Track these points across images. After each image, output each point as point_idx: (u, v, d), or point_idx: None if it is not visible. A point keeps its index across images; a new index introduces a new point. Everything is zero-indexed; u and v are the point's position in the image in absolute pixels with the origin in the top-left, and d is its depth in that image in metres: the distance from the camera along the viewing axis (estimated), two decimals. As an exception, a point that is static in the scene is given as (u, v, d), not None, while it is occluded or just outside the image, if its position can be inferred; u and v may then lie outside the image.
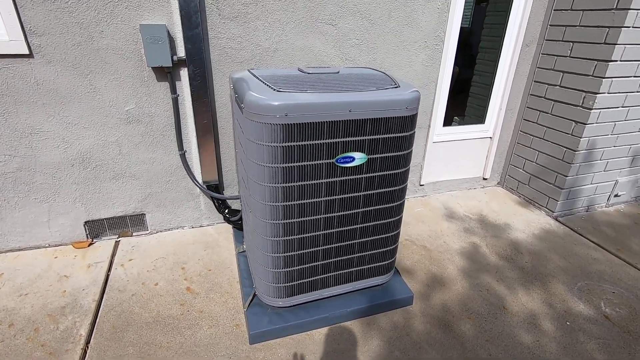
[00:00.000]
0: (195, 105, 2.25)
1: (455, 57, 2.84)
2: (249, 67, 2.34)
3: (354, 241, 1.82)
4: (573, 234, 2.81)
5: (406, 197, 3.24)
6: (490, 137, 3.29)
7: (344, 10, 2.35)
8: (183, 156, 2.42)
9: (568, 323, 2.00)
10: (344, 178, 1.62)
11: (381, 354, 1.78)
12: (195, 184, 2.51)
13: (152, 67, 2.14)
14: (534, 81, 3.03)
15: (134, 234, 2.59)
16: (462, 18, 2.82)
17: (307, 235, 1.69)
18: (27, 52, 1.92)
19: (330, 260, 1.82)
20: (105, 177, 2.35)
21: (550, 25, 2.84)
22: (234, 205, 2.71)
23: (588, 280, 2.33)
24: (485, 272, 2.37)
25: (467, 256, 2.52)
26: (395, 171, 1.70)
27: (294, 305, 1.91)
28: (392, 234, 1.90)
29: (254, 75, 1.61)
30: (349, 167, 1.60)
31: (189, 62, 2.13)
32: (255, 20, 2.22)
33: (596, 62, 2.54)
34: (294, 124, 1.42)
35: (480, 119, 3.31)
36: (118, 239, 2.54)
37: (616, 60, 2.48)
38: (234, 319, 1.94)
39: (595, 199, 3.11)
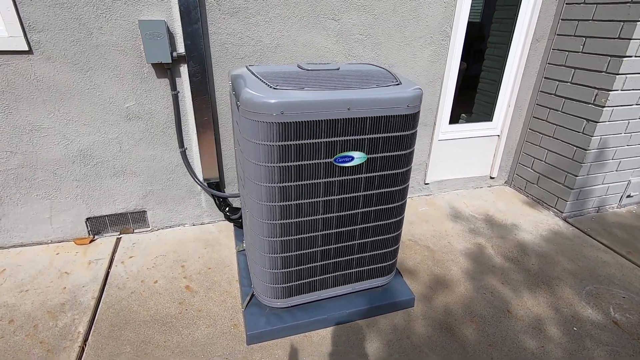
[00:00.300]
0: (196, 102, 2.23)
1: (464, 53, 2.77)
2: (250, 63, 2.30)
3: (354, 242, 1.78)
4: (582, 236, 2.73)
5: (410, 195, 3.19)
6: (498, 135, 3.21)
7: (347, 4, 2.30)
8: (184, 153, 2.40)
9: (575, 328, 1.94)
10: (343, 178, 1.58)
11: (380, 356, 1.74)
12: (196, 182, 2.49)
13: (151, 64, 2.12)
14: (544, 78, 2.94)
15: (135, 231, 2.59)
16: (473, 12, 2.75)
17: (304, 235, 1.65)
18: (26, 48, 1.91)
19: (329, 262, 1.79)
20: (106, 174, 2.34)
21: (561, 19, 2.74)
22: (235, 203, 2.69)
23: (597, 284, 2.25)
24: (490, 274, 2.31)
25: (471, 257, 2.46)
26: (396, 171, 1.65)
27: (292, 306, 1.88)
28: (393, 235, 1.85)
29: (251, 72, 1.57)
30: (348, 166, 1.56)
31: (189, 58, 2.10)
32: (256, 16, 2.18)
33: (609, 57, 2.45)
34: (290, 122, 1.38)
35: (488, 116, 3.23)
36: (119, 236, 2.54)
37: (631, 56, 2.38)
38: (232, 319, 1.92)
39: (606, 200, 3.02)
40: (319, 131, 1.43)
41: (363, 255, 1.84)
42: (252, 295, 1.93)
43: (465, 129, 3.09)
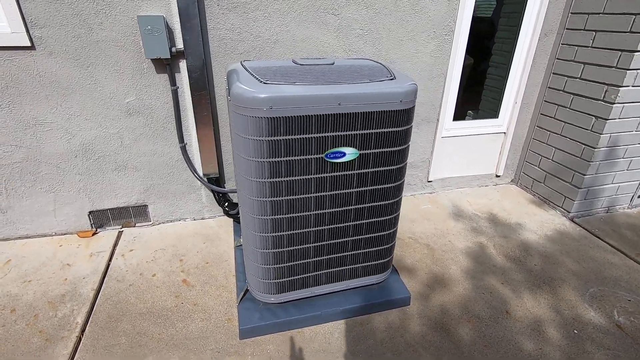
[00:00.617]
0: (195, 98, 2.24)
1: (472, 48, 2.71)
2: (249, 58, 2.30)
3: (347, 239, 1.77)
4: (589, 237, 2.65)
5: (413, 193, 3.15)
6: (504, 133, 3.14)
7: (347, -1, 2.27)
8: (184, 148, 2.42)
9: (576, 331, 1.89)
10: (335, 174, 1.56)
11: (372, 354, 1.73)
12: (196, 177, 2.51)
13: (151, 59, 2.14)
14: (553, 73, 2.86)
15: (136, 224, 2.63)
16: (486, 7, 2.69)
17: (296, 231, 1.65)
18: (29, 44, 1.95)
19: (322, 258, 1.78)
20: (107, 168, 2.38)
21: (571, 13, 2.65)
22: (234, 198, 2.70)
23: (602, 286, 2.19)
24: (490, 274, 2.27)
25: (472, 256, 2.42)
26: (390, 167, 1.63)
27: (286, 302, 1.88)
28: (388, 232, 1.83)
29: (244, 67, 1.57)
30: (340, 162, 1.54)
31: (187, 53, 2.11)
32: (255, 11, 2.17)
33: (620, 52, 2.36)
34: (279, 117, 1.37)
35: (494, 113, 3.16)
36: (121, 230, 2.59)
37: (643, 51, 2.29)
38: (227, 313, 1.93)
39: (616, 200, 2.92)
40: (309, 126, 1.42)
41: (357, 252, 1.83)
42: (247, 290, 1.94)
43: (470, 125, 3.03)
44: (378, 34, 2.43)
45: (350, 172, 1.58)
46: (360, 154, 1.55)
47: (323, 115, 1.42)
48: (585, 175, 2.69)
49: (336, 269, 1.84)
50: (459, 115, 3.10)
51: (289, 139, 1.42)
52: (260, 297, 1.83)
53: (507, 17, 3.13)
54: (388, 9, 2.37)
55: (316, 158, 1.50)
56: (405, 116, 1.54)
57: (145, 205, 2.58)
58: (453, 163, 3.14)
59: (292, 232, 1.64)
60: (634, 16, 2.26)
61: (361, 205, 1.69)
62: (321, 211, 1.63)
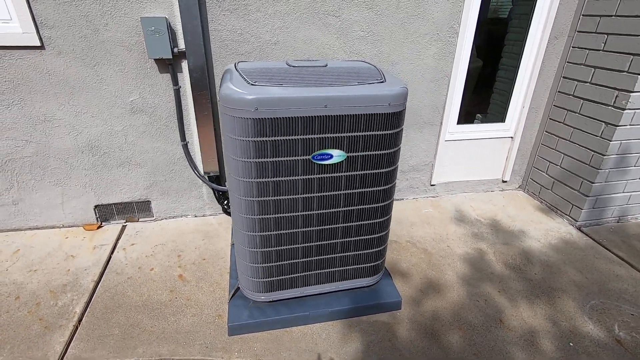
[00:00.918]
0: (196, 97, 2.29)
1: (482, 50, 2.66)
2: (249, 59, 2.33)
3: (336, 240, 1.77)
4: (596, 247, 2.56)
5: (415, 197, 3.12)
6: (511, 137, 3.06)
7: (349, 0, 2.27)
8: (185, 147, 2.48)
9: (571, 344, 1.83)
10: (322, 176, 1.57)
11: (358, 357, 1.73)
12: (196, 175, 2.56)
13: (154, 59, 2.20)
14: (563, 77, 2.77)
15: (140, 219, 2.70)
16: (502, 8, 2.64)
17: (284, 232, 1.66)
18: (38, 43, 2.04)
19: (311, 259, 1.79)
20: (112, 164, 2.46)
21: (583, 15, 2.57)
22: (235, 196, 2.73)
23: (604, 299, 2.11)
24: (487, 281, 2.22)
25: (470, 263, 2.38)
26: (379, 171, 1.62)
27: (275, 301, 1.90)
28: (378, 235, 1.82)
29: (236, 69, 1.59)
30: (327, 164, 1.55)
31: (189, 54, 2.16)
32: (256, 12, 2.20)
33: (632, 56, 2.27)
34: (265, 118, 1.39)
35: (501, 117, 3.09)
36: (125, 224, 2.67)
37: (656, 55, 2.20)
38: (218, 310, 1.97)
39: (628, 210, 2.81)
40: (295, 128, 1.43)
41: (346, 254, 1.83)
42: (238, 288, 1.97)
43: (475, 129, 2.98)
44: (379, 36, 2.41)
45: (338, 174, 1.58)
46: (348, 157, 1.55)
47: (309, 117, 1.42)
48: (593, 183, 2.60)
49: (326, 270, 1.85)
50: (464, 118, 3.05)
51: (275, 140, 1.44)
52: (250, 295, 1.86)
53: (518, 18, 3.06)
54: (390, 11, 2.35)
55: (303, 159, 1.51)
56: (394, 119, 1.53)
57: (149, 201, 2.65)
58: (457, 167, 3.09)
59: (280, 232, 1.66)
60: (647, 19, 2.17)
61: (350, 208, 1.69)
62: (309, 212, 1.64)
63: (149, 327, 1.85)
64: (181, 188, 2.65)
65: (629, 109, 2.34)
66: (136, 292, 2.06)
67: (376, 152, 1.57)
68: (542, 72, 2.80)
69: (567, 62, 2.72)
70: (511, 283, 2.22)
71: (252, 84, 1.42)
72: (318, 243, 1.75)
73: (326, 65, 1.68)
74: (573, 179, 2.76)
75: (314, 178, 1.56)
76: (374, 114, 1.48)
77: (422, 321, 1.94)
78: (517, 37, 3.01)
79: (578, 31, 2.61)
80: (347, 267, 1.87)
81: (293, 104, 1.39)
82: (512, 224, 2.80)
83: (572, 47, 2.67)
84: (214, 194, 2.64)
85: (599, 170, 2.55)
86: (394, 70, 2.55)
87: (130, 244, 2.46)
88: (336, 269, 1.86)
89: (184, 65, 2.26)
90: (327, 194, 1.62)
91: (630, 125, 2.41)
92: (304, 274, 1.82)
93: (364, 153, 1.56)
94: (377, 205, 1.72)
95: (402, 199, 3.10)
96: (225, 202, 2.60)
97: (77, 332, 1.82)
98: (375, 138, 1.54)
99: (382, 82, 1.54)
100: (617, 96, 2.38)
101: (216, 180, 2.59)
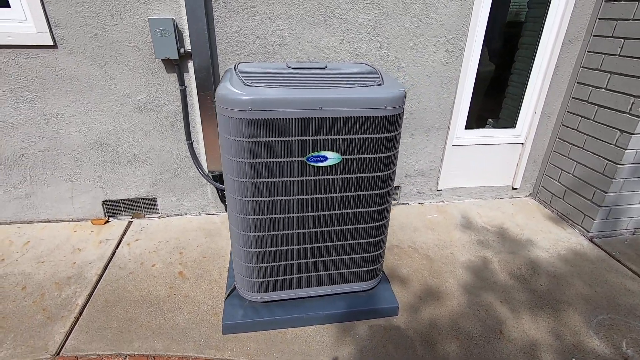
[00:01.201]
0: (201, 97, 2.32)
1: (495, 53, 2.60)
2: (254, 60, 2.35)
3: (331, 243, 1.76)
4: (608, 259, 2.46)
5: (421, 202, 3.07)
6: (522, 143, 2.98)
7: (354, 2, 2.26)
8: (190, 145, 2.52)
9: (574, 359, 1.76)
10: (317, 177, 1.56)
11: (350, 362, 1.71)
12: (201, 173, 2.59)
13: (161, 59, 2.24)
14: (577, 82, 2.68)
15: (146, 216, 2.76)
16: (522, 10, 2.58)
17: (279, 232, 1.66)
18: (52, 43, 2.11)
19: (306, 261, 1.78)
20: (120, 161, 2.52)
21: (599, 18, 2.48)
22: (239, 196, 2.76)
23: (613, 314, 2.02)
24: (490, 291, 2.17)
25: (472, 271, 2.32)
26: (375, 174, 1.61)
27: (270, 302, 1.90)
28: (375, 239, 1.80)
29: (235, 69, 1.61)
30: (322, 166, 1.54)
31: (195, 54, 2.19)
32: (261, 14, 2.22)
33: (650, 62, 2.17)
34: (259, 119, 1.39)
35: (512, 122, 3.01)
36: (131, 220, 2.73)
37: (675, 61, 2.10)
38: (214, 308, 1.98)
39: (644, 222, 2.69)
40: (290, 129, 1.43)
41: (342, 257, 1.81)
42: (234, 287, 1.98)
43: (484, 135, 2.91)
44: (386, 38, 2.39)
45: (333, 177, 1.57)
46: (343, 159, 1.54)
47: (304, 118, 1.42)
48: (607, 193, 2.50)
49: (321, 272, 1.84)
50: (475, 123, 2.99)
51: (269, 141, 1.44)
52: (245, 295, 1.86)
53: (533, 21, 2.98)
54: (397, 13, 2.33)
55: (297, 161, 1.51)
56: (391, 122, 1.52)
57: (155, 198, 2.70)
58: (465, 173, 3.02)
59: (274, 232, 1.66)
60: (666, 23, 2.08)
61: (345, 211, 1.68)
62: (303, 214, 1.64)
63: (146, 322, 1.88)
64: (186, 186, 2.69)
65: (646, 116, 2.25)
66: (137, 287, 2.10)
67: (372, 155, 1.56)
68: (556, 77, 2.71)
69: (582, 67, 2.63)
70: (514, 293, 2.15)
71: (248, 85, 1.43)
72: (313, 245, 1.74)
73: (325, 67, 1.68)
74: (586, 188, 2.66)
75: (308, 180, 1.56)
76: (370, 116, 1.47)
77: (418, 329, 1.90)
78: (531, 41, 2.93)
79: (594, 35, 2.52)
80: (343, 271, 1.86)
81: (287, 105, 1.39)
82: (520, 233, 2.72)
83: (588, 51, 2.58)
84: (218, 193, 2.67)
85: (613, 180, 2.45)
86: (400, 74, 2.52)
87: (135, 239, 2.51)
88: (332, 272, 1.85)
89: (190, 65, 2.29)
90: (322, 196, 1.61)
91: (646, 133, 2.31)
92: (298, 275, 1.82)
93: (360, 156, 1.55)
94: (374, 209, 1.70)
95: (407, 204, 3.06)
96: (228, 202, 2.62)
97: (77, 323, 1.87)
98: (371, 141, 1.52)
99: (379, 84, 1.53)
100: (633, 103, 2.28)
101: (220, 179, 2.62)
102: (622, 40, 2.32)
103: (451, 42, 2.47)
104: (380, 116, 1.48)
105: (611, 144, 2.44)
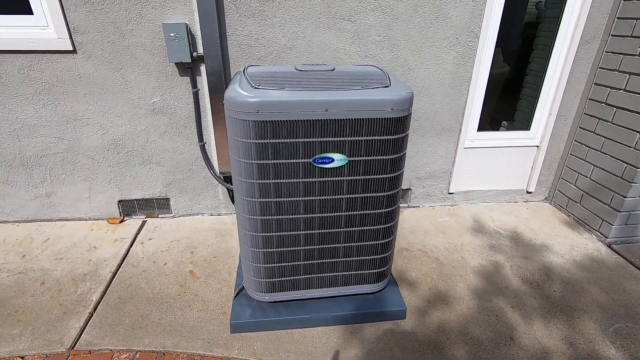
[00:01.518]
0: (213, 100, 2.37)
1: (509, 55, 2.56)
2: (265, 64, 2.39)
3: (338, 245, 1.76)
4: (627, 266, 2.38)
5: (432, 205, 3.04)
6: (537, 146, 2.92)
7: (364, 5, 2.27)
8: (203, 147, 2.57)
9: (588, 369, 1.71)
10: (323, 179, 1.57)
11: (356, 365, 1.70)
12: (212, 175, 2.64)
13: (174, 63, 2.30)
14: (594, 84, 2.61)
15: (159, 216, 2.82)
16: (535, 10, 2.54)
17: (286, 233, 1.68)
18: (71, 48, 2.20)
19: (312, 262, 1.79)
20: (135, 162, 2.59)
21: (617, 18, 2.41)
22: (250, 197, 2.79)
23: (631, 323, 1.95)
24: (501, 296, 2.13)
25: (483, 275, 2.28)
26: (382, 176, 1.60)
27: (278, 302, 1.92)
28: (383, 241, 1.79)
29: (244, 72, 1.64)
30: (328, 168, 1.55)
31: (207, 58, 2.24)
32: (272, 18, 2.25)
33: (671, 62, 2.10)
34: (266, 121, 1.41)
35: (526, 124, 2.95)
36: (145, 219, 2.80)
37: (698, 60, 2.02)
38: (223, 307, 2.01)
39: (666, 228, 2.59)
40: (296, 131, 1.45)
41: (349, 259, 1.81)
42: (242, 287, 2.00)
43: (497, 137, 2.87)
44: (396, 41, 2.39)
45: (339, 179, 1.58)
46: (350, 161, 1.55)
47: (310, 120, 1.44)
48: (625, 197, 2.42)
49: (328, 274, 1.84)
50: (489, 125, 2.94)
51: (276, 143, 1.46)
52: (252, 295, 1.89)
53: (549, 22, 2.92)
54: (407, 15, 2.32)
55: (304, 162, 1.52)
56: (399, 124, 1.51)
57: (168, 199, 2.76)
58: (478, 176, 2.98)
59: (281, 233, 1.68)
60: (688, 21, 2.00)
61: (352, 213, 1.68)
62: (310, 215, 1.65)
63: (157, 319, 1.93)
64: (198, 187, 2.74)
65: (667, 118, 2.17)
66: (149, 285, 2.16)
67: (379, 157, 1.56)
68: (572, 78, 2.65)
69: (600, 67, 2.56)
70: (527, 299, 2.10)
71: (256, 87, 1.45)
72: (320, 246, 1.75)
73: (333, 70, 1.69)
74: (603, 192, 2.58)
75: (315, 181, 1.57)
76: (376, 118, 1.47)
77: (426, 333, 1.88)
78: (547, 42, 2.87)
79: (612, 35, 2.45)
80: (350, 273, 1.86)
81: (293, 107, 1.40)
82: (534, 237, 2.66)
83: (606, 52, 2.51)
84: (228, 193, 2.71)
85: (632, 184, 2.37)
86: (411, 76, 2.51)
87: (148, 238, 2.57)
88: (339, 273, 1.85)
89: (202, 68, 2.34)
90: (328, 197, 1.62)
91: (668, 136, 2.23)
92: (305, 276, 1.83)
93: (367, 158, 1.55)
94: (381, 211, 1.70)
95: (418, 207, 3.03)
96: (239, 202, 2.66)
97: (91, 319, 1.93)
98: (378, 143, 1.52)
99: (386, 86, 1.53)
100: (653, 104, 2.21)
101: (230, 180, 2.66)
102: (642, 39, 2.25)
103: (463, 44, 2.45)
104: (387, 118, 1.48)
105: (630, 147, 2.36)
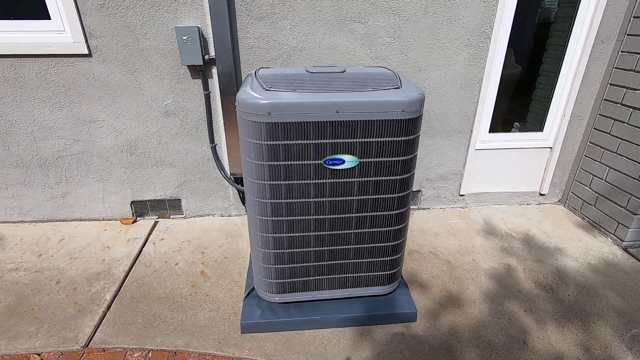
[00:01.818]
0: (224, 102, 2.39)
1: (523, 56, 2.54)
2: (275, 66, 2.40)
3: (349, 246, 1.76)
4: (644, 270, 2.32)
5: (442, 207, 3.02)
6: (550, 148, 2.88)
7: (375, 7, 2.27)
8: (214, 149, 2.59)
9: (604, 375, 1.67)
10: (334, 180, 1.57)
11: (366, 367, 1.70)
12: (223, 176, 2.67)
13: (186, 66, 2.33)
14: (610, 84, 2.56)
15: (171, 216, 2.86)
16: (548, 10, 2.52)
17: (296, 234, 1.69)
18: (87, 52, 2.24)
19: (323, 263, 1.79)
20: (147, 163, 2.63)
21: (634, 17, 2.36)
22: (260, 198, 2.81)
23: (648, 329, 1.91)
24: (513, 300, 2.10)
25: (495, 278, 2.25)
26: (393, 177, 1.60)
27: (288, 303, 1.92)
28: (393, 243, 1.79)
29: (255, 74, 1.65)
30: (339, 169, 1.55)
31: (218, 60, 2.27)
32: (283, 20, 2.27)
33: (690, 61, 2.05)
34: (277, 122, 1.42)
35: (539, 126, 2.91)
36: (157, 220, 2.83)
37: None
38: (234, 307, 2.03)
39: (685, 231, 2.52)
40: (307, 132, 1.46)
41: (359, 261, 1.81)
42: (253, 288, 2.01)
43: (509, 139, 2.83)
44: (406, 42, 2.38)
45: (350, 180, 1.58)
46: (360, 162, 1.55)
47: (321, 122, 1.44)
48: (642, 200, 2.37)
49: (338, 275, 1.84)
50: (498, 126, 2.91)
51: (287, 144, 1.47)
52: (263, 296, 1.89)
53: (562, 22, 2.88)
54: (417, 16, 2.32)
55: (315, 164, 1.52)
56: (410, 126, 1.51)
57: (179, 200, 2.80)
58: (489, 177, 2.95)
59: (292, 234, 1.68)
60: None
61: (363, 214, 1.68)
62: (321, 216, 1.65)
63: (169, 319, 1.95)
64: (209, 188, 2.77)
65: (686, 119, 2.11)
66: (161, 285, 2.18)
67: (390, 159, 1.55)
68: (586, 78, 2.61)
69: (615, 67, 2.51)
70: (540, 303, 2.07)
71: (267, 89, 1.47)
72: (330, 248, 1.75)
73: (344, 71, 1.69)
74: (619, 194, 2.53)
75: (325, 183, 1.57)
76: (387, 120, 1.47)
77: (437, 336, 1.87)
78: (560, 42, 2.83)
79: (628, 34, 2.41)
80: (361, 274, 1.85)
81: (305, 109, 1.41)
82: (548, 240, 2.62)
83: (621, 51, 2.46)
84: (239, 195, 2.73)
85: (650, 186, 2.32)
86: (421, 77, 2.50)
87: (160, 239, 2.61)
88: (349, 275, 1.85)
89: (214, 71, 2.37)
90: (339, 199, 1.62)
91: (687, 137, 2.17)
92: (316, 277, 1.83)
93: (378, 159, 1.55)
94: (392, 212, 1.69)
95: (428, 208, 3.01)
96: (249, 204, 2.67)
97: (105, 317, 1.96)
98: (389, 144, 1.52)
99: (397, 88, 1.53)
100: (671, 105, 2.16)
101: (241, 182, 2.68)
102: (659, 39, 2.21)
103: (474, 45, 2.43)
104: (398, 119, 1.48)
105: (647, 149, 2.31)
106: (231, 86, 2.35)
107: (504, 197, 3.04)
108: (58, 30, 2.21)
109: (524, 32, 2.79)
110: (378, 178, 1.59)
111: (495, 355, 1.76)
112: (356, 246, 1.77)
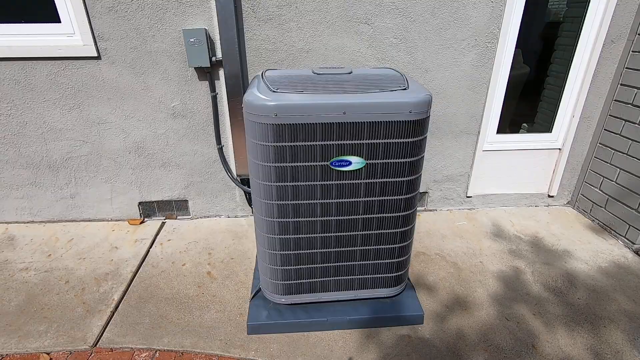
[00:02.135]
0: (231, 103, 2.40)
1: (531, 56, 2.51)
2: (282, 67, 2.41)
3: (355, 248, 1.75)
4: (656, 274, 2.28)
5: (449, 208, 3.00)
6: (559, 149, 2.84)
7: (381, 8, 2.26)
8: (221, 150, 2.61)
9: (615, 380, 1.65)
10: (341, 182, 1.57)
11: (373, 369, 1.69)
12: (230, 177, 2.68)
13: (194, 67, 2.35)
14: (620, 84, 2.53)
15: (178, 217, 2.88)
16: (557, 10, 2.50)
17: (303, 236, 1.68)
18: (96, 54, 2.27)
19: (329, 265, 1.79)
20: (155, 164, 2.65)
21: (645, 16, 2.33)
22: (266, 200, 2.81)
23: (661, 333, 1.87)
24: (522, 303, 2.07)
25: (503, 281, 2.23)
26: (400, 179, 1.59)
27: (294, 304, 1.92)
28: (400, 245, 1.78)
29: (262, 76, 1.66)
30: (346, 171, 1.55)
31: (225, 62, 2.28)
32: (289, 22, 2.27)
33: None
34: (284, 124, 1.43)
35: (548, 127, 2.88)
36: (164, 221, 2.85)
37: None
38: (240, 308, 2.03)
39: (699, 234, 2.47)
40: (314, 134, 1.46)
41: (366, 262, 1.80)
42: (259, 288, 2.02)
43: (517, 140, 2.81)
44: (413, 43, 2.37)
45: (357, 181, 1.58)
46: (367, 164, 1.54)
47: (328, 123, 1.44)
48: (654, 202, 2.33)
49: (344, 277, 1.84)
50: (506, 128, 2.88)
51: (294, 145, 1.47)
52: (268, 296, 1.90)
53: (571, 22, 2.85)
54: (424, 17, 2.31)
55: (321, 165, 1.52)
56: (417, 127, 1.50)
57: (186, 200, 2.82)
58: (497, 179, 2.92)
59: (298, 236, 1.68)
60: None
61: (369, 216, 1.67)
62: (327, 218, 1.65)
63: (176, 319, 1.96)
64: (216, 189, 2.78)
65: (699, 120, 2.08)
66: (168, 285, 2.20)
67: (397, 160, 1.55)
68: (596, 79, 2.57)
69: (626, 68, 2.48)
70: (549, 306, 2.04)
71: (274, 91, 1.47)
72: (337, 249, 1.75)
73: (350, 72, 1.69)
74: (630, 196, 2.49)
75: (332, 184, 1.57)
76: (394, 121, 1.46)
77: (444, 338, 1.85)
78: (569, 42, 2.80)
79: (639, 34, 2.37)
80: (367, 276, 1.85)
81: (311, 111, 1.41)
82: (557, 243, 2.58)
83: (632, 51, 2.43)
84: (245, 196, 2.74)
85: (662, 188, 2.28)
86: (428, 78, 2.49)
87: (167, 239, 2.63)
88: (355, 276, 1.84)
89: (221, 73, 2.38)
90: (345, 200, 1.61)
91: (700, 138, 2.13)
92: (322, 279, 1.83)
93: (384, 161, 1.54)
94: (398, 214, 1.68)
95: (435, 210, 2.99)
96: (255, 205, 2.68)
97: (113, 317, 1.97)
98: (396, 146, 1.52)
99: (404, 89, 1.52)
100: (684, 105, 2.12)
101: (248, 183, 2.69)
102: (671, 38, 2.17)
103: (481, 45, 2.41)
104: (406, 121, 1.47)
105: (659, 150, 2.27)
106: (238, 88, 2.36)
107: (512, 199, 3.01)
108: (68, 34, 2.24)
109: (532, 32, 2.76)
110: (385, 179, 1.59)
111: (504, 359, 1.74)
112: (363, 248, 1.76)
